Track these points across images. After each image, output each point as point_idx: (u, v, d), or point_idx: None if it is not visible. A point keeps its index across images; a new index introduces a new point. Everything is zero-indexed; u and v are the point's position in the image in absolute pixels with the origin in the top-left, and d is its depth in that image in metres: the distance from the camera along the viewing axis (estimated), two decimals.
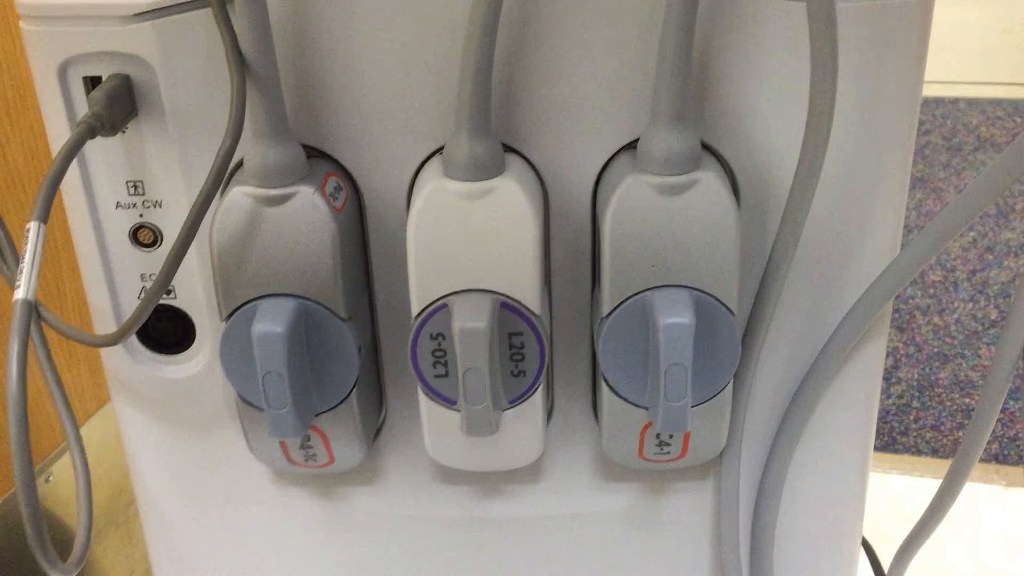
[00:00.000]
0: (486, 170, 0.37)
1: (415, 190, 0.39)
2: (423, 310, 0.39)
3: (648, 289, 0.38)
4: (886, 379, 1.30)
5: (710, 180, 0.37)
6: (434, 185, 0.37)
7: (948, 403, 1.26)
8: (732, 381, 0.41)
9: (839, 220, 0.41)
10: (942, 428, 1.21)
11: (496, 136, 0.37)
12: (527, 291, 0.38)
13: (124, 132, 0.40)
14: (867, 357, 0.44)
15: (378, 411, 0.45)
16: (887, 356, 1.31)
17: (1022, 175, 0.35)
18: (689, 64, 0.36)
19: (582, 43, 0.38)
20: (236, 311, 0.39)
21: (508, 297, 0.38)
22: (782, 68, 0.38)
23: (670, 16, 0.35)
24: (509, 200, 0.37)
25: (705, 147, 0.39)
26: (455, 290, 0.38)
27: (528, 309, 0.38)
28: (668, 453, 0.42)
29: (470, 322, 0.37)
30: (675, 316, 0.37)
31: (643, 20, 0.37)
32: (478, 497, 0.47)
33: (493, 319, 0.38)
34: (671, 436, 0.42)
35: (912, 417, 1.23)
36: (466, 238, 0.38)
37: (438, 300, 0.38)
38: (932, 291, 1.48)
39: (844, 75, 0.35)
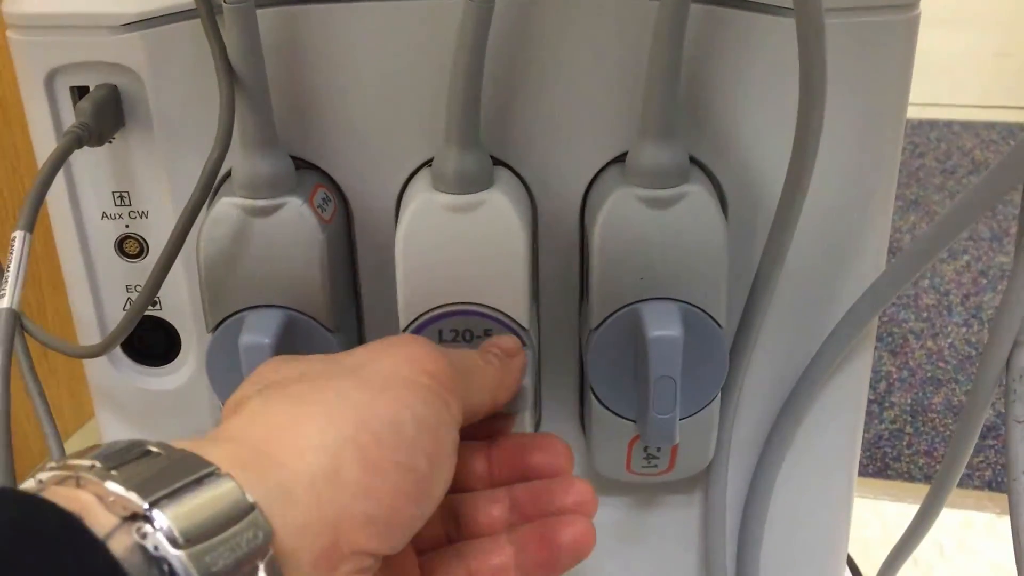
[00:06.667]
0: (474, 183, 0.37)
1: (403, 203, 0.39)
2: (411, 323, 0.38)
3: (636, 302, 0.38)
4: (879, 404, 1.30)
5: (698, 193, 0.37)
6: (423, 198, 0.37)
7: (941, 428, 1.26)
8: (720, 394, 0.40)
9: (826, 234, 0.41)
10: (935, 454, 1.20)
11: (485, 149, 0.37)
12: (516, 304, 0.38)
13: (111, 142, 0.40)
14: (853, 372, 0.44)
15: None
16: (880, 380, 1.31)
17: (1002, 196, 0.35)
18: (678, 79, 0.36)
19: (571, 57, 0.38)
20: (223, 322, 0.39)
21: (498, 310, 0.38)
22: (770, 83, 0.38)
23: (659, 31, 0.35)
24: (498, 213, 0.37)
25: (693, 161, 0.39)
26: (442, 303, 0.38)
27: (516, 322, 0.38)
28: (655, 466, 0.42)
29: None
30: (664, 329, 0.37)
31: (632, 34, 0.37)
32: None
33: None
34: (658, 449, 0.41)
35: (905, 443, 1.23)
36: (455, 251, 0.37)
37: (426, 313, 0.38)
38: (926, 315, 1.48)
39: (832, 90, 0.35)
